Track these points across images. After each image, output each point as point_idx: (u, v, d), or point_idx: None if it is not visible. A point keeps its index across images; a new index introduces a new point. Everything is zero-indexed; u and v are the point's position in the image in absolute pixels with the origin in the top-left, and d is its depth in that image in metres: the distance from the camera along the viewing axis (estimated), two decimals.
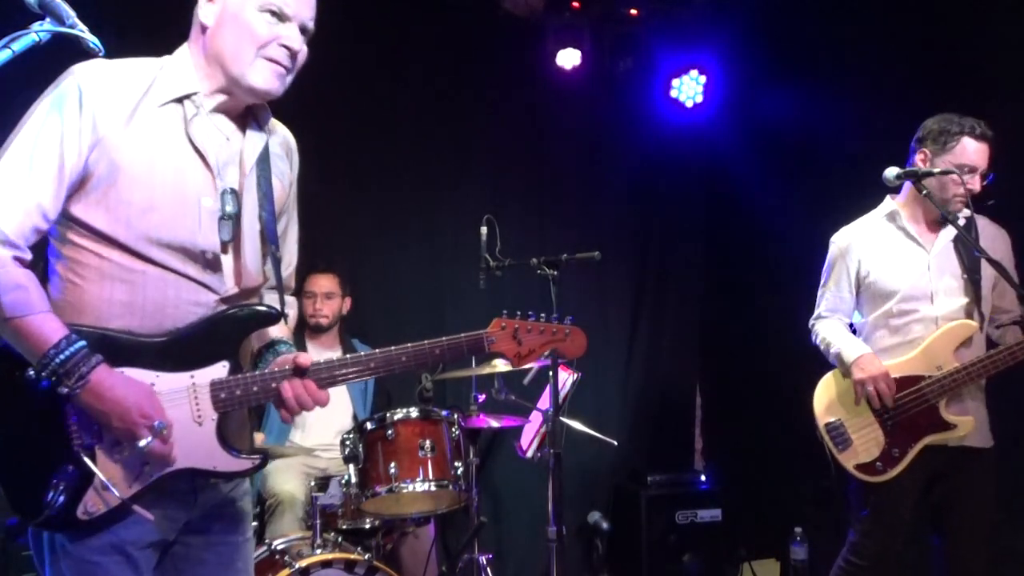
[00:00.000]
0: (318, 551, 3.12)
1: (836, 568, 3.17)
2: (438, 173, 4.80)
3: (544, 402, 3.77)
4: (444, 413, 3.34)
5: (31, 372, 1.64)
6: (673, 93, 5.26)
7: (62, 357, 1.61)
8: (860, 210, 3.31)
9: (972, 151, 2.97)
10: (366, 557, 3.12)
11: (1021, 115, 3.57)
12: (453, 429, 3.31)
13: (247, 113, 1.88)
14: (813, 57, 4.62)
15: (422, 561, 3.64)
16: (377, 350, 1.92)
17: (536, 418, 3.84)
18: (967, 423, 2.95)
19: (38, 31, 1.53)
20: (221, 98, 1.81)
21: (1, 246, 1.63)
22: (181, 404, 1.75)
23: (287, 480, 3.65)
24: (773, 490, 4.87)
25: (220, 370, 1.79)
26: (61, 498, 1.64)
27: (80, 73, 1.71)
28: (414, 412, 3.28)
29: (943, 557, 3.07)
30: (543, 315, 2.13)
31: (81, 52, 1.63)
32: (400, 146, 4.70)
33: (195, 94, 1.78)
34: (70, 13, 1.57)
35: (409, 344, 1.92)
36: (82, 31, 1.61)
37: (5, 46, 1.49)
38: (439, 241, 4.78)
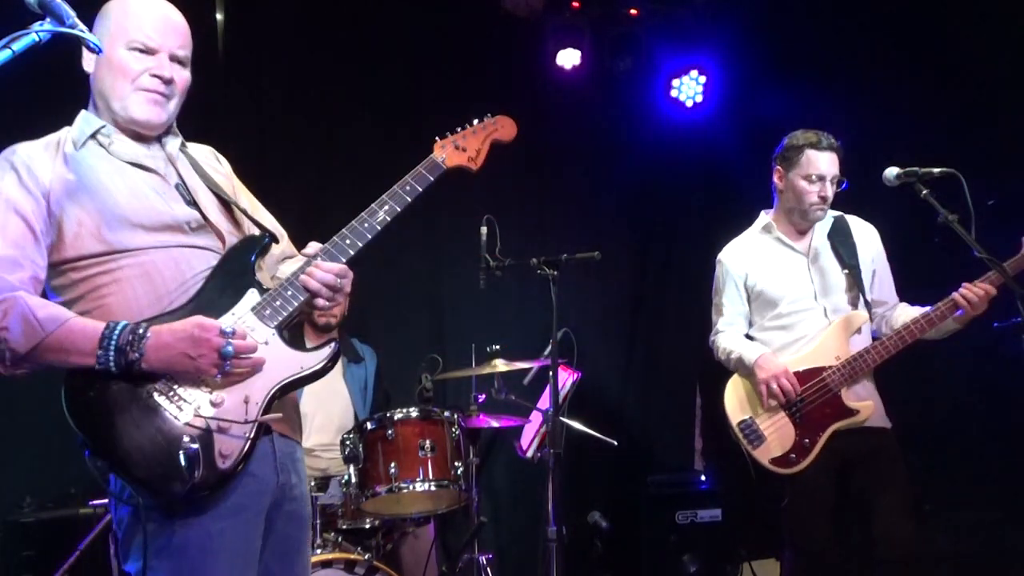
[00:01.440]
0: (318, 551, 3.12)
1: (782, 568, 3.32)
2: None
3: (544, 402, 3.77)
4: (444, 413, 3.33)
5: (98, 363, 1.71)
6: (673, 93, 5.26)
7: (116, 334, 1.72)
8: (859, 210, 3.33)
9: (817, 161, 3.18)
10: (366, 557, 3.12)
11: (1021, 114, 3.58)
12: (453, 429, 3.31)
13: (155, 139, 2.03)
14: (813, 57, 4.62)
15: (422, 561, 3.64)
16: (363, 212, 2.11)
17: (536, 418, 3.84)
18: (867, 407, 3.10)
19: (38, 31, 1.53)
20: (127, 133, 1.97)
21: (9, 290, 1.75)
22: (231, 325, 1.83)
23: None
24: (773, 490, 4.87)
25: (252, 296, 1.91)
26: (197, 466, 1.72)
27: (9, 152, 1.87)
28: (414, 412, 3.28)
29: (871, 534, 3.13)
30: (467, 122, 2.39)
31: (81, 52, 1.65)
32: (400, 146, 4.70)
33: (104, 127, 1.94)
34: (70, 13, 1.58)
35: (383, 195, 2.12)
36: (82, 31, 1.61)
37: (5, 46, 1.49)
38: (439, 241, 4.78)
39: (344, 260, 2.00)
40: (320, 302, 1.95)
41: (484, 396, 3.88)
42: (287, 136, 4.44)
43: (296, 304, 1.92)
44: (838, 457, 3.13)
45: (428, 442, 3.22)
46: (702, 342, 5.60)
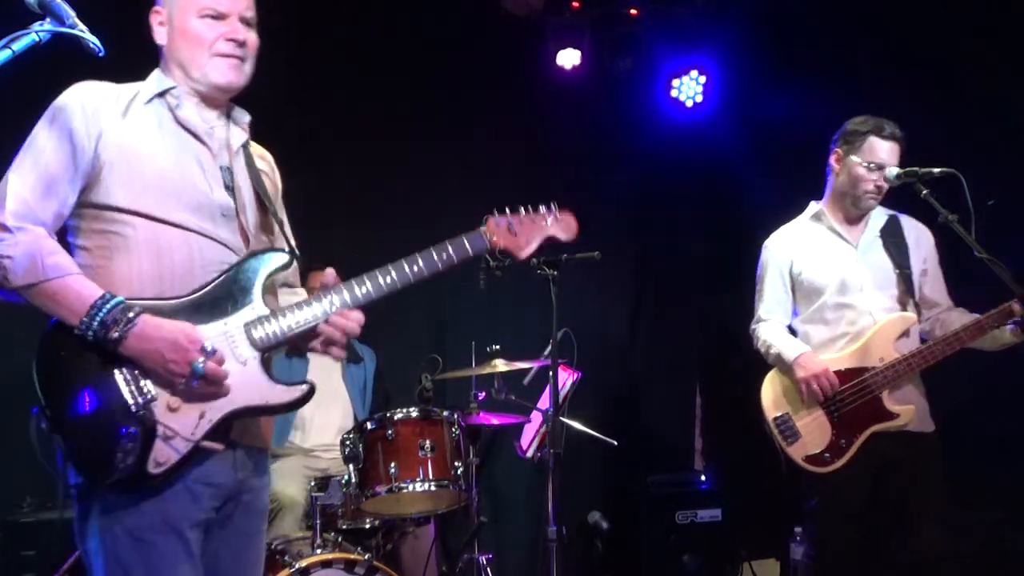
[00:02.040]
0: (318, 551, 3.12)
1: (801, 566, 3.27)
2: (438, 173, 4.80)
3: (544, 402, 3.77)
4: (444, 413, 3.33)
5: (80, 326, 1.72)
6: (673, 93, 5.26)
7: (108, 306, 1.73)
8: None
9: (880, 150, 3.09)
10: (366, 557, 3.12)
11: (1021, 114, 3.58)
12: (453, 429, 3.31)
13: (225, 109, 2.06)
14: (813, 57, 4.62)
15: (422, 561, 3.63)
16: (389, 265, 2.02)
17: (536, 418, 3.84)
18: (909, 411, 3.04)
19: (38, 31, 1.53)
20: (196, 98, 2.00)
21: (33, 223, 1.78)
22: (221, 350, 1.82)
23: (288, 484, 3.64)
24: (773, 490, 4.87)
25: (250, 312, 1.89)
26: (131, 457, 1.73)
27: (76, 88, 1.90)
28: (414, 412, 3.28)
29: (904, 545, 3.10)
30: (530, 205, 2.19)
31: (81, 52, 1.65)
32: (400, 146, 4.71)
33: (174, 88, 1.97)
34: (70, 13, 1.58)
35: (416, 254, 2.02)
36: (82, 31, 1.61)
37: (5, 46, 1.49)
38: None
39: (352, 305, 1.96)
40: (335, 351, 1.96)
41: (484, 395, 3.88)
42: (286, 137, 4.43)
43: (291, 335, 1.90)
44: (875, 460, 3.07)
45: (428, 442, 3.22)
46: (702, 342, 5.64)
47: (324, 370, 4.09)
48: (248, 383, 1.85)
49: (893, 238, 3.17)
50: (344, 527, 3.39)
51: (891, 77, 4.22)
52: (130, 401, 1.76)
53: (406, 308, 4.64)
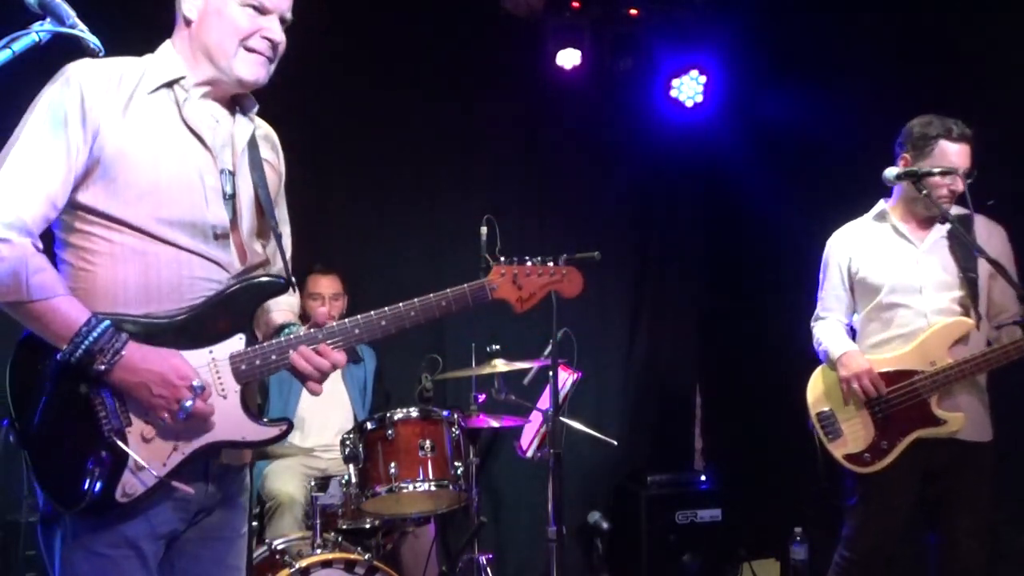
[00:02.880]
0: (318, 551, 3.12)
1: (833, 564, 3.20)
2: (438, 173, 4.80)
3: (544, 402, 3.77)
4: (444, 413, 3.34)
5: (63, 353, 1.65)
6: (673, 93, 5.26)
7: (94, 335, 1.65)
8: (860, 209, 3.33)
9: (951, 153, 3.00)
10: (366, 557, 3.12)
11: (1020, 114, 3.57)
12: (453, 429, 3.31)
13: (233, 100, 1.95)
14: (813, 57, 4.62)
15: (422, 561, 3.64)
16: (386, 308, 1.96)
17: (536, 418, 3.84)
18: (957, 419, 2.98)
19: (38, 31, 1.53)
20: (208, 88, 1.88)
21: (19, 234, 1.67)
22: (204, 379, 1.77)
23: (287, 482, 3.65)
24: (773, 490, 4.87)
25: (237, 343, 1.83)
26: (99, 484, 1.67)
27: (76, 69, 1.76)
28: (414, 412, 3.29)
29: (940, 556, 3.07)
30: (539, 257, 2.17)
31: (81, 52, 1.65)
32: (400, 146, 4.71)
33: (183, 78, 1.84)
34: (70, 13, 1.58)
35: (415, 299, 1.98)
36: (82, 31, 1.61)
37: (5, 46, 1.49)
38: (439, 241, 4.78)
39: (345, 347, 1.91)
40: (311, 385, 1.88)
41: (484, 396, 3.88)
42: (286, 137, 4.44)
43: (275, 371, 1.86)
44: (921, 466, 3.03)
45: (428, 442, 3.22)
46: (702, 342, 5.64)
47: None
48: (226, 417, 1.79)
49: (962, 240, 3.03)
50: (344, 527, 3.39)
51: (891, 77, 4.22)
52: (104, 425, 1.70)
53: None
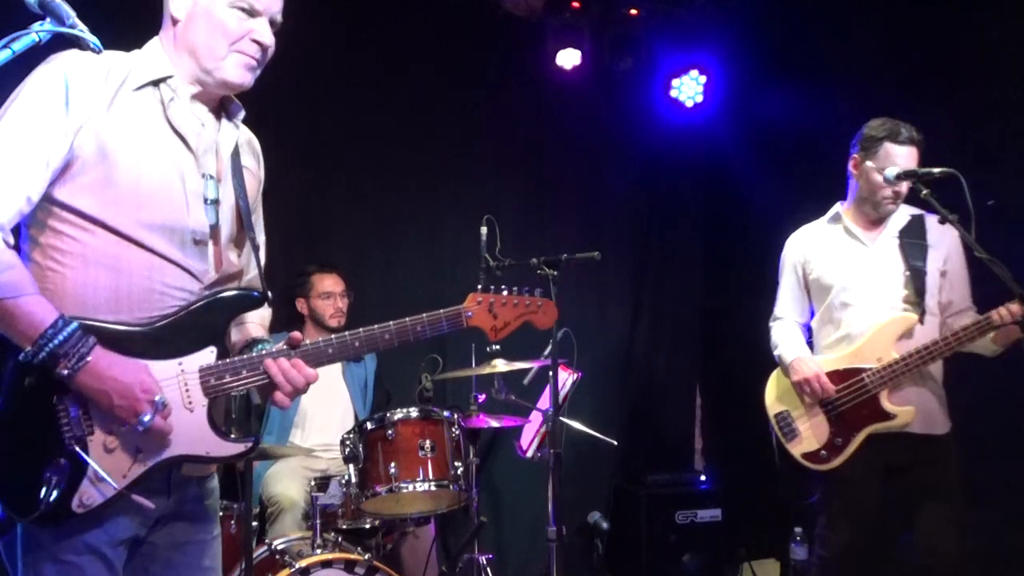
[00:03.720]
0: (318, 551, 3.12)
1: (812, 565, 3.29)
2: (438, 173, 4.80)
3: (544, 402, 3.77)
4: (444, 413, 3.33)
5: (25, 354, 1.59)
6: (673, 93, 5.26)
7: (61, 338, 1.60)
8: None
9: (896, 155, 3.07)
10: (366, 557, 3.12)
11: (1021, 114, 3.57)
12: (453, 429, 3.31)
13: (219, 104, 1.90)
14: (813, 57, 4.62)
15: (422, 561, 3.64)
16: (360, 329, 1.94)
17: (536, 418, 3.84)
18: (907, 412, 3.05)
19: (38, 31, 1.53)
20: (195, 88, 1.83)
21: None
22: (171, 391, 1.73)
23: (288, 485, 3.64)
24: (773, 490, 4.87)
25: (208, 356, 1.78)
26: (55, 492, 1.62)
27: (61, 62, 1.69)
28: (414, 412, 3.28)
29: (915, 553, 3.10)
30: (515, 288, 2.19)
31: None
32: (400, 146, 4.70)
33: (170, 77, 1.79)
34: (70, 13, 1.58)
35: (391, 322, 1.96)
36: (82, 31, 1.61)
37: (5, 46, 1.49)
38: (439, 241, 4.78)
39: (316, 367, 1.87)
40: (277, 396, 1.83)
41: (484, 396, 3.88)
42: (285, 137, 4.44)
43: (244, 387, 1.81)
44: (882, 460, 3.10)
45: (428, 442, 3.22)
46: (702, 342, 5.64)
47: (325, 369, 4.06)
48: (191, 431, 1.75)
49: (912, 238, 3.15)
50: (344, 527, 3.39)
51: (891, 77, 4.22)
52: (64, 432, 1.65)
53: (406, 308, 4.63)
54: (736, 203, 5.25)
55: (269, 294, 1.92)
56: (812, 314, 3.35)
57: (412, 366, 3.97)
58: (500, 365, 3.64)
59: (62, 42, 1.59)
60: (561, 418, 3.40)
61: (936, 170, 3.01)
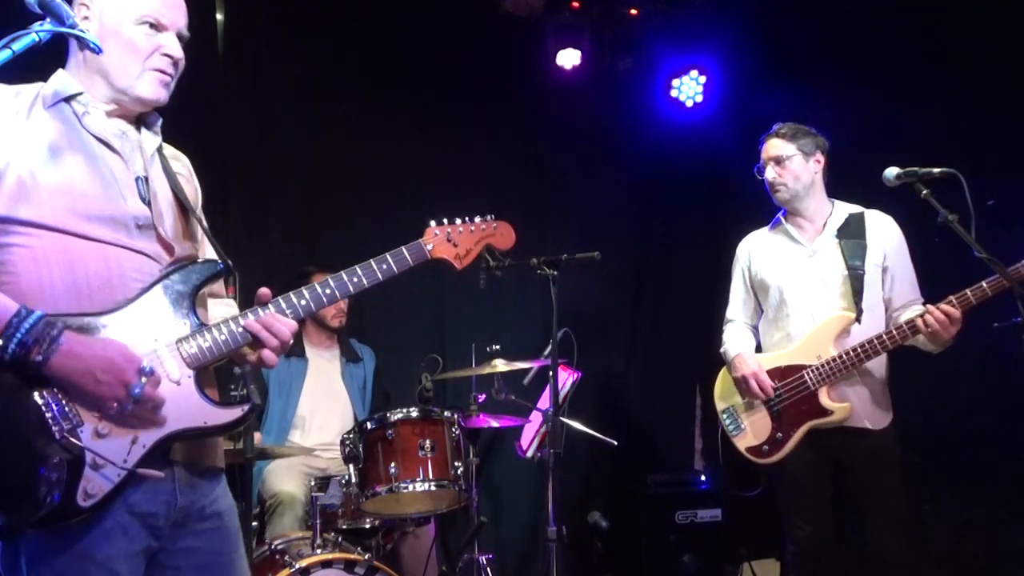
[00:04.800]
0: (318, 551, 3.12)
1: (786, 562, 3.40)
2: (438, 173, 4.80)
3: (544, 402, 3.77)
4: (444, 413, 3.33)
5: None
6: (673, 93, 5.26)
7: (27, 324, 1.55)
8: None
9: (765, 147, 3.37)
10: (366, 557, 3.12)
11: (1019, 114, 3.58)
12: (453, 429, 3.31)
13: (136, 119, 1.89)
14: (813, 57, 4.62)
15: (422, 561, 3.64)
16: (329, 277, 1.94)
17: (536, 418, 3.84)
18: (843, 409, 3.14)
19: (38, 31, 1.53)
20: (110, 107, 1.83)
21: None
22: (154, 367, 1.69)
23: (287, 480, 3.65)
24: (773, 490, 4.87)
25: (182, 327, 1.75)
26: (57, 491, 1.57)
27: None
28: (414, 412, 3.28)
29: (865, 549, 3.20)
30: (468, 216, 2.25)
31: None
32: (400, 146, 4.71)
33: (81, 94, 1.78)
34: (70, 13, 1.58)
35: (357, 266, 1.97)
36: (82, 31, 1.61)
37: (5, 46, 1.49)
38: None
39: (292, 317, 1.85)
40: (264, 353, 1.81)
41: (484, 396, 3.88)
42: (287, 136, 4.45)
43: (225, 351, 1.77)
44: (828, 456, 3.20)
45: (428, 442, 3.22)
46: (702, 342, 5.63)
47: (324, 370, 4.10)
48: (183, 404, 1.71)
49: (850, 237, 3.24)
50: (344, 527, 3.39)
51: (890, 77, 4.22)
52: (53, 427, 1.58)
53: (406, 308, 4.64)
54: (736, 202, 5.24)
55: (230, 263, 1.90)
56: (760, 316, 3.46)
57: (412, 366, 3.97)
58: (500, 365, 3.65)
59: (62, 42, 1.59)
60: (561, 418, 3.40)
61: (936, 170, 3.01)
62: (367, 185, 4.65)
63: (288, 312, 1.84)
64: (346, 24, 4.56)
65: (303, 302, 1.87)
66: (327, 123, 4.56)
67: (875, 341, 3.07)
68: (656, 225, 5.48)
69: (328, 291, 1.91)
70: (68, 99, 1.77)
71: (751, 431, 3.29)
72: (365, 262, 1.98)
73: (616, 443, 3.88)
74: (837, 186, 3.54)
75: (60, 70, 1.82)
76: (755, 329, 3.46)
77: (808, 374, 3.16)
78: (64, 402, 1.61)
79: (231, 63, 4.25)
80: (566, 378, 3.79)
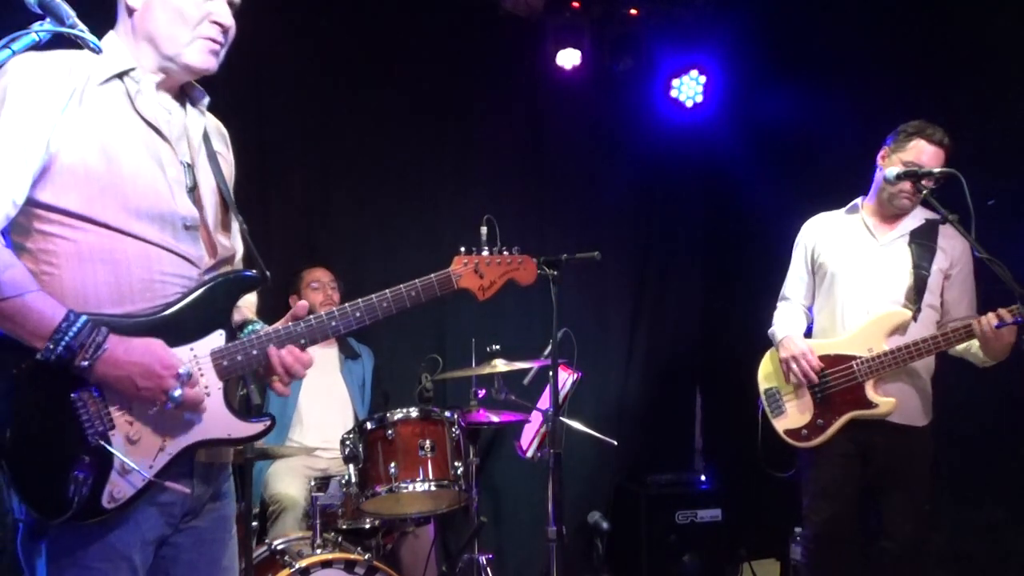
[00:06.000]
0: (318, 551, 3.12)
1: (799, 547, 3.47)
2: (438, 173, 4.80)
3: (544, 402, 3.77)
4: (444, 413, 3.33)
5: (43, 352, 1.57)
6: (673, 93, 5.26)
7: (74, 330, 1.58)
8: None
9: (923, 152, 3.14)
10: (366, 557, 3.12)
11: (1020, 114, 3.58)
12: (453, 429, 3.31)
13: (181, 92, 1.89)
14: (813, 57, 4.62)
15: (422, 561, 3.64)
16: (359, 300, 1.98)
17: (536, 418, 3.84)
18: (888, 403, 3.16)
19: (38, 31, 1.53)
20: (158, 77, 1.81)
21: None
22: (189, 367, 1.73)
23: (289, 484, 3.65)
24: (773, 490, 4.87)
25: (218, 339, 1.79)
26: (84, 490, 1.61)
27: (25, 66, 1.66)
28: (414, 412, 3.28)
29: (879, 537, 3.25)
30: (495, 248, 2.29)
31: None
32: (400, 146, 4.70)
33: (133, 70, 1.77)
34: (70, 13, 1.57)
35: (387, 290, 2.01)
36: (82, 31, 1.61)
37: (5, 46, 1.49)
38: (439, 241, 4.77)
39: (321, 339, 1.92)
40: (276, 385, 1.86)
41: (484, 391, 3.88)
42: (288, 135, 4.44)
43: (253, 367, 1.83)
44: (858, 446, 3.22)
45: (428, 442, 3.22)
46: (702, 342, 5.64)
47: (323, 368, 4.10)
48: (211, 415, 1.76)
49: (922, 239, 3.23)
50: (344, 527, 3.39)
51: (891, 77, 4.22)
52: (87, 431, 1.63)
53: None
54: (736, 203, 5.25)
55: (268, 274, 1.92)
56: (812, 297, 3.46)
57: (412, 366, 3.97)
58: (500, 365, 3.65)
59: (62, 42, 1.59)
60: (561, 418, 3.40)
61: (936, 170, 3.03)
62: (366, 185, 4.65)
63: (317, 334, 1.90)
64: (346, 24, 4.56)
65: (333, 323, 1.94)
66: (327, 122, 4.56)
67: (929, 340, 3.08)
68: (656, 225, 5.47)
69: (358, 314, 1.98)
70: (121, 75, 1.75)
71: (792, 414, 3.31)
72: (394, 288, 2.02)
73: (616, 443, 3.88)
74: (837, 186, 3.55)
75: (111, 34, 1.81)
76: (809, 310, 3.47)
77: (857, 365, 3.17)
78: (100, 405, 1.65)
79: (230, 64, 4.25)
80: (566, 378, 3.78)
